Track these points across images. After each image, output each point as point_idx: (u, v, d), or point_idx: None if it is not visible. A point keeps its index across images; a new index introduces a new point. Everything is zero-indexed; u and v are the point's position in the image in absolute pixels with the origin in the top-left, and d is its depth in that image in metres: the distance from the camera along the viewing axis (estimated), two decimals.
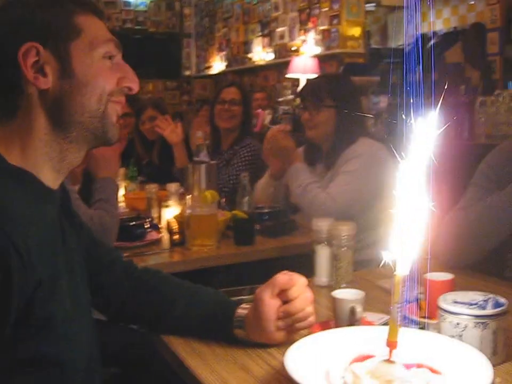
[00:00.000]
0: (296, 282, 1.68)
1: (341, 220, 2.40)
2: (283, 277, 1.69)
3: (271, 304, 1.66)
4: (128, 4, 14.62)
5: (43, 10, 1.46)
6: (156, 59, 14.32)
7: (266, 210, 3.42)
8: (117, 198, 3.04)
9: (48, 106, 1.46)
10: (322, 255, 2.30)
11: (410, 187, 1.17)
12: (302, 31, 10.48)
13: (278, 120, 8.92)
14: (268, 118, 9.33)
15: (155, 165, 5.71)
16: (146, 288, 1.90)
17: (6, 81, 1.45)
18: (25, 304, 1.30)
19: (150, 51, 14.30)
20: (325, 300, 2.09)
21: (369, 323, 1.79)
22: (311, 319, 1.70)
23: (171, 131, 4.89)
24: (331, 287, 2.20)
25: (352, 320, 1.71)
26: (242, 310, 1.75)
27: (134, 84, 1.58)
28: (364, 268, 2.65)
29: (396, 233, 1.20)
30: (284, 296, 1.68)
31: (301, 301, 1.67)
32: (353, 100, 3.60)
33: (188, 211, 2.98)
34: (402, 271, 1.21)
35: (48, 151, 1.48)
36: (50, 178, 1.50)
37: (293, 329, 1.70)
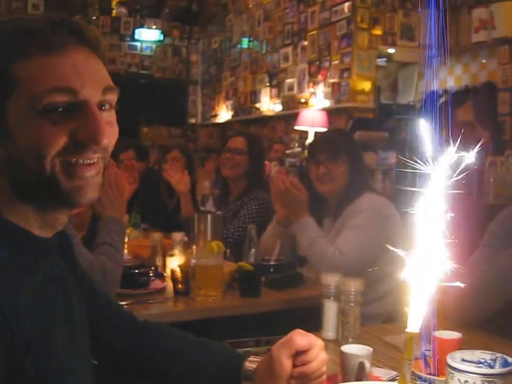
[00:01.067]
0: (314, 346, 1.67)
1: (349, 274, 2.44)
2: (301, 340, 1.66)
3: (288, 364, 1.65)
4: (134, 47, 14.78)
5: None
6: (161, 105, 14.41)
7: (272, 263, 3.47)
8: (122, 242, 3.02)
9: (5, 173, 1.33)
10: (330, 310, 2.35)
11: (425, 240, 1.20)
12: (311, 83, 10.57)
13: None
14: (273, 170, 9.38)
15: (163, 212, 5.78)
16: (149, 341, 1.87)
17: None
18: (14, 367, 1.23)
19: (155, 97, 14.42)
20: (331, 354, 2.12)
21: (377, 378, 1.83)
22: (323, 378, 1.71)
23: (179, 180, 4.93)
24: (337, 342, 2.25)
25: (360, 375, 1.75)
26: (251, 364, 1.75)
27: (89, 136, 1.32)
28: (369, 322, 2.70)
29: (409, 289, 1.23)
30: (299, 357, 1.66)
31: (317, 364, 1.67)
32: (360, 154, 3.70)
33: (193, 261, 3.02)
34: (414, 327, 1.25)
35: (31, 212, 1.36)
36: (42, 231, 1.40)
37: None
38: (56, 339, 1.37)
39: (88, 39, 1.36)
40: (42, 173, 1.30)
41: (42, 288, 1.36)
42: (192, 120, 15.46)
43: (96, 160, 1.38)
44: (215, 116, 14.48)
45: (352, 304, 2.26)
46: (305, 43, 10.87)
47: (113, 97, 1.40)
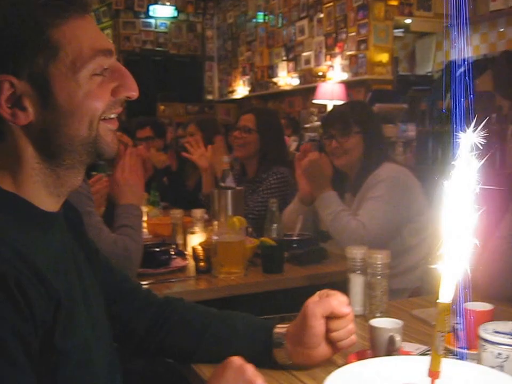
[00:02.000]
0: (347, 314, 1.74)
1: (373, 247, 2.41)
2: (338, 305, 1.73)
3: (323, 321, 1.72)
4: (148, 24, 14.73)
5: (9, 33, 1.28)
6: (177, 82, 14.37)
7: (295, 238, 3.44)
8: (141, 225, 2.99)
9: (34, 138, 1.34)
10: (357, 284, 2.32)
11: (453, 211, 1.17)
12: (329, 56, 10.52)
13: None
14: (293, 145, 9.34)
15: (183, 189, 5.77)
16: (173, 318, 1.87)
17: None
18: (45, 331, 1.25)
19: (171, 74, 14.40)
20: (359, 330, 2.10)
21: (408, 353, 1.79)
22: (353, 337, 1.76)
23: (200, 155, 4.87)
24: (365, 317, 2.22)
25: (390, 349, 1.72)
26: (280, 329, 1.80)
27: (131, 92, 1.43)
28: (395, 296, 2.66)
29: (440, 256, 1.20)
30: (330, 321, 1.73)
31: (345, 333, 1.74)
32: (377, 126, 3.65)
33: (215, 237, 2.98)
34: (446, 298, 1.22)
35: (42, 178, 1.38)
36: (49, 203, 1.41)
37: (335, 348, 1.76)
38: (80, 314, 1.38)
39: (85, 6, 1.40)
40: (89, 134, 1.36)
41: (60, 261, 1.38)
42: (209, 97, 15.44)
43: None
44: (232, 91, 14.45)
45: (379, 277, 2.22)
46: (321, 15, 10.81)
47: None
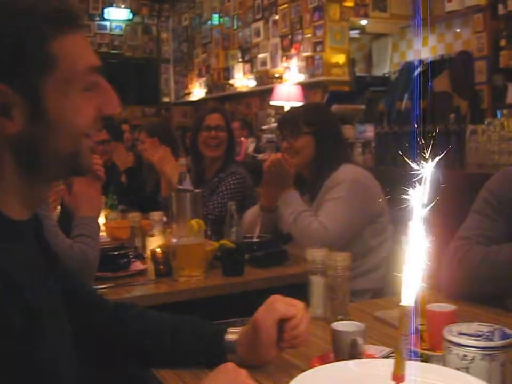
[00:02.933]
0: (297, 311, 1.76)
1: (335, 248, 2.40)
2: (284, 308, 1.75)
3: (274, 330, 1.74)
4: (103, 27, 14.71)
5: (7, 42, 1.25)
6: (133, 84, 14.34)
7: (255, 240, 3.42)
8: (98, 235, 2.91)
9: (18, 151, 1.31)
10: (317, 286, 2.30)
11: (409, 215, 1.16)
12: (285, 58, 10.54)
13: (261, 149, 8.94)
14: (251, 147, 9.34)
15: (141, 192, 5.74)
16: (126, 324, 1.85)
17: None
18: (19, 342, 1.21)
19: (127, 76, 14.36)
20: (321, 332, 2.09)
21: (371, 356, 1.78)
22: (305, 335, 1.78)
23: (160, 157, 4.82)
24: (326, 319, 2.20)
25: (353, 353, 1.70)
26: (232, 336, 1.81)
27: (115, 110, 1.43)
28: (358, 297, 2.65)
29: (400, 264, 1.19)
30: (286, 323, 1.75)
31: (304, 325, 1.76)
32: (332, 127, 3.65)
33: (174, 240, 2.96)
34: (408, 301, 1.21)
35: (17, 190, 1.34)
36: (21, 213, 1.37)
37: (285, 346, 1.79)
38: (49, 324, 1.34)
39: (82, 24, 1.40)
40: (73, 149, 1.35)
41: (29, 269, 1.35)
42: (166, 99, 15.40)
43: None
44: (189, 93, 14.43)
45: (340, 279, 2.21)
46: (277, 17, 10.84)
47: None
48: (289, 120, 3.63)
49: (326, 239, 3.13)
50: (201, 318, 1.93)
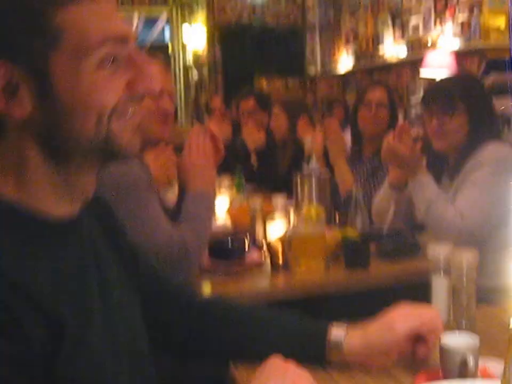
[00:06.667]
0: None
1: (469, 242, 2.24)
2: (428, 330, 1.73)
3: (410, 342, 1.73)
4: None
5: (3, 13, 1.21)
6: (275, 55, 14.30)
7: (383, 229, 3.27)
8: (210, 218, 2.76)
9: (34, 134, 1.26)
10: (439, 288, 2.15)
11: None
12: (438, 22, 10.26)
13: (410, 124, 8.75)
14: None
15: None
16: (212, 322, 1.83)
17: None
18: (45, 360, 1.18)
19: (269, 46, 14.32)
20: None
21: (489, 375, 1.61)
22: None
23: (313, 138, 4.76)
24: (449, 325, 2.05)
25: (463, 372, 1.54)
26: (338, 332, 1.77)
27: (149, 85, 1.31)
28: (486, 300, 2.46)
29: None
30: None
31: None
32: (489, 103, 3.40)
33: (291, 231, 2.86)
34: None
35: (49, 181, 1.29)
36: (60, 209, 1.32)
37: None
38: (91, 336, 1.30)
39: None
40: (98, 132, 1.26)
41: (68, 277, 1.30)
42: (311, 69, 15.30)
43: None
44: (335, 64, 14.30)
45: (464, 280, 2.04)
46: None
47: None
48: (441, 93, 3.33)
49: (462, 228, 2.95)
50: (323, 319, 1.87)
